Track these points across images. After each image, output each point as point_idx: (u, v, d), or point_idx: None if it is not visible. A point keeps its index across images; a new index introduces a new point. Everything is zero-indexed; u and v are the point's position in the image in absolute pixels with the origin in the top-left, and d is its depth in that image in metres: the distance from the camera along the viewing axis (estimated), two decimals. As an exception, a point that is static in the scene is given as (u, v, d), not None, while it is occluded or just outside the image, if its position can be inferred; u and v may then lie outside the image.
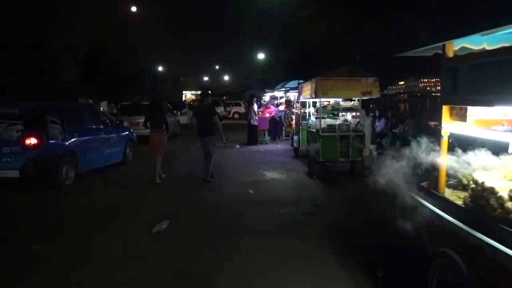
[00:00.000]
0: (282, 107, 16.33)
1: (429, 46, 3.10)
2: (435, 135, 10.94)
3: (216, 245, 4.74)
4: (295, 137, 11.58)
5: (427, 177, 3.75)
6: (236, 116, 34.44)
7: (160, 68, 59.90)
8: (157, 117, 8.39)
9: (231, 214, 6.00)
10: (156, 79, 57.60)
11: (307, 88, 8.76)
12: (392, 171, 5.91)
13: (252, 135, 14.64)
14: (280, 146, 14.38)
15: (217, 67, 78.61)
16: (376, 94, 7.98)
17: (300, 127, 10.94)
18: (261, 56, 47.32)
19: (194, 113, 8.61)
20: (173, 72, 64.69)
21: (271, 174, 9.13)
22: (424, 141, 9.62)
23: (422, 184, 3.64)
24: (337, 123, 8.51)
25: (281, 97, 17.80)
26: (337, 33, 23.47)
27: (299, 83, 10.56)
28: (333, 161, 8.65)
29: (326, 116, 8.61)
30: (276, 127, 15.93)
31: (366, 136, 8.23)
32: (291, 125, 14.07)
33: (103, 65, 37.96)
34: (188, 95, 57.74)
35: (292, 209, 6.29)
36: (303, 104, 13.02)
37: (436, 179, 3.36)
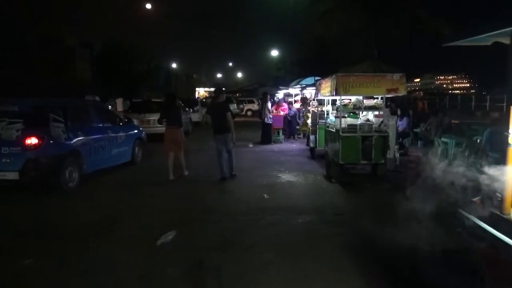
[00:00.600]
0: (297, 105, 15.72)
1: (495, 32, 2.50)
2: (460, 135, 10.11)
3: (228, 261, 4.21)
4: (312, 137, 11.00)
5: (477, 191, 3.16)
6: (249, 113, 33.95)
7: (174, 65, 59.73)
8: (172, 114, 8.22)
9: (244, 222, 5.47)
10: (170, 76, 57.48)
11: (327, 85, 8.15)
12: (430, 179, 5.30)
13: (266, 134, 14.10)
14: (295, 145, 13.79)
15: (230, 64, 78.18)
16: (402, 92, 7.33)
17: (317, 126, 10.35)
18: (274, 53, 46.77)
19: (208, 110, 8.39)
20: (187, 69, 64.47)
21: (286, 177, 8.58)
22: (465, 144, 8.67)
23: (474, 200, 3.03)
24: (359, 122, 7.89)
25: (296, 95, 17.18)
26: (353, 29, 22.73)
27: (316, 80, 9.94)
28: (353, 164, 8.03)
29: (346, 115, 7.99)
30: (291, 125, 15.35)
31: (390, 137, 7.60)
32: (306, 124, 13.48)
33: (118, 61, 37.85)
34: (201, 91, 57.61)
35: (310, 217, 5.73)
36: (320, 102, 12.43)
37: (494, 195, 2.78)
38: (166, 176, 8.22)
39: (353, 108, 7.85)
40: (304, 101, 14.45)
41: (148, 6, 41.60)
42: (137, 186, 7.83)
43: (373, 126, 7.81)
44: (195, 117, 21.06)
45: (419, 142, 13.11)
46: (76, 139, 7.46)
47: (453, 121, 14.54)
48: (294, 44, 39.67)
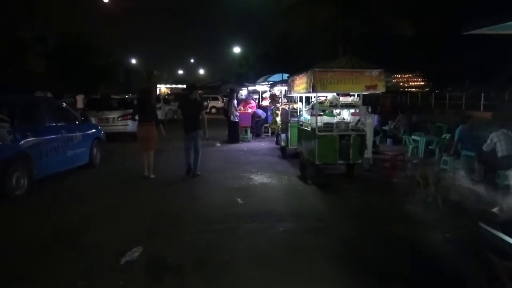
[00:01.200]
0: (266, 102, 15.27)
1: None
2: (426, 132, 10.07)
3: (203, 281, 3.67)
4: (282, 135, 10.59)
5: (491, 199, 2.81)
6: (214, 111, 33.20)
7: (134, 61, 57.73)
8: (147, 110, 7.97)
9: (219, 233, 4.92)
10: (129, 72, 55.49)
11: (301, 81, 7.73)
12: (409, 180, 4.99)
13: (234, 133, 13.56)
14: (264, 144, 13.34)
15: (192, 60, 76.66)
16: (381, 89, 7.03)
17: (289, 124, 9.95)
18: (237, 50, 46.26)
19: (180, 106, 8.32)
20: (147, 65, 62.51)
21: (259, 178, 8.09)
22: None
23: (493, 210, 2.65)
24: (335, 121, 7.55)
25: (263, 92, 16.70)
26: (319, 25, 22.61)
27: (288, 77, 9.52)
28: (330, 164, 7.69)
29: (322, 113, 7.61)
30: (258, 124, 14.89)
31: (368, 136, 7.31)
32: (276, 121, 13.07)
33: (74, 56, 35.80)
34: (162, 88, 56.18)
35: (291, 225, 5.28)
36: (289, 99, 12.05)
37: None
38: (145, 169, 7.93)
39: (329, 106, 7.48)
40: (273, 98, 14.02)
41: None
42: (96, 191, 7.09)
43: (350, 124, 7.50)
44: (158, 114, 20.12)
45: (388, 140, 13.08)
46: (24, 141, 6.60)
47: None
48: (257, 40, 39.38)
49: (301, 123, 8.67)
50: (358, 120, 7.42)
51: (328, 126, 7.36)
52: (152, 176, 7.97)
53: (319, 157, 7.22)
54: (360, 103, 7.51)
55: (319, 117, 7.36)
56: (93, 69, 37.98)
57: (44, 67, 39.52)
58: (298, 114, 9.18)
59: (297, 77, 8.20)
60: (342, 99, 7.59)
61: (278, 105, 13.05)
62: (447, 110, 25.68)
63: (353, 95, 7.79)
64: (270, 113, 14.09)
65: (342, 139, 7.25)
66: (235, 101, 13.76)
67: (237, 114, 13.47)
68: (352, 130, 7.42)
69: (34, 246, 4.49)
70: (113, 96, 14.29)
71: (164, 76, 70.29)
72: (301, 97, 9.31)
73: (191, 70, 77.63)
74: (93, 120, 12.76)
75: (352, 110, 7.84)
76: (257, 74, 27.20)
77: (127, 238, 4.65)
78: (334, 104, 7.44)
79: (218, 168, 9.05)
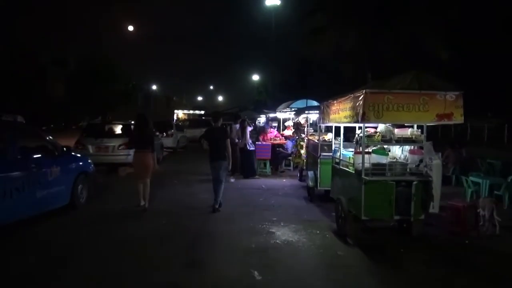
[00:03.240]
0: (288, 132, 13.40)
1: None
2: (478, 170, 7.71)
3: None
4: (310, 173, 8.66)
5: None
6: (230, 139, 31.66)
7: (154, 87, 57.54)
8: (144, 136, 7.52)
9: None
10: (149, 97, 55.26)
11: (343, 107, 5.80)
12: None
13: (249, 165, 11.66)
14: (285, 180, 11.36)
15: (211, 87, 76.57)
16: (458, 118, 5.04)
17: (319, 160, 8.03)
18: (255, 77, 45.48)
19: (205, 135, 7.80)
20: (167, 91, 62.37)
21: (282, 233, 6.12)
22: None
23: None
24: (387, 161, 5.59)
25: (285, 120, 14.86)
26: (345, 49, 20.97)
27: (321, 103, 7.66)
28: (381, 219, 5.70)
29: (371, 150, 5.66)
30: (280, 155, 12.97)
31: (435, 183, 5.31)
32: (300, 155, 11.18)
33: (94, 80, 35.16)
34: (180, 114, 55.45)
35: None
36: (315, 129, 10.25)
37: None
38: (140, 199, 7.25)
39: (382, 140, 5.52)
40: (298, 127, 12.16)
41: (130, 28, 39.60)
42: (60, 250, 5.25)
43: (408, 166, 5.54)
44: (169, 142, 18.55)
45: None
46: (-33, 180, 4.88)
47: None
48: (277, 67, 38.28)
49: (337, 160, 6.74)
50: (421, 161, 5.45)
51: (378, 168, 5.42)
52: (146, 206, 7.31)
53: (367, 210, 5.25)
54: (423, 137, 5.55)
55: (366, 155, 5.42)
56: (112, 94, 37.26)
57: (62, 91, 39.12)
58: (333, 148, 7.26)
59: (335, 101, 6.29)
60: (398, 132, 5.64)
61: (303, 135, 11.20)
62: (485, 142, 23.28)
63: (412, 127, 5.83)
64: (293, 145, 12.19)
65: (398, 186, 5.29)
66: (250, 128, 12.11)
67: (251, 141, 11.83)
68: (412, 174, 5.46)
69: None
70: (114, 122, 12.67)
71: (183, 102, 69.93)
72: (336, 127, 7.41)
73: (210, 97, 77.37)
74: (91, 149, 11.22)
75: (407, 147, 5.89)
76: (276, 101, 25.72)
77: None
78: (388, 139, 5.48)
79: (230, 215, 7.16)
